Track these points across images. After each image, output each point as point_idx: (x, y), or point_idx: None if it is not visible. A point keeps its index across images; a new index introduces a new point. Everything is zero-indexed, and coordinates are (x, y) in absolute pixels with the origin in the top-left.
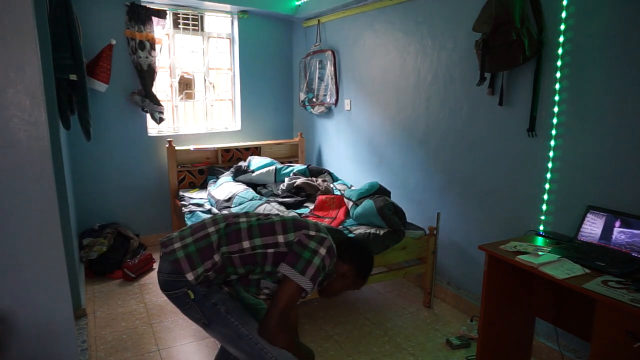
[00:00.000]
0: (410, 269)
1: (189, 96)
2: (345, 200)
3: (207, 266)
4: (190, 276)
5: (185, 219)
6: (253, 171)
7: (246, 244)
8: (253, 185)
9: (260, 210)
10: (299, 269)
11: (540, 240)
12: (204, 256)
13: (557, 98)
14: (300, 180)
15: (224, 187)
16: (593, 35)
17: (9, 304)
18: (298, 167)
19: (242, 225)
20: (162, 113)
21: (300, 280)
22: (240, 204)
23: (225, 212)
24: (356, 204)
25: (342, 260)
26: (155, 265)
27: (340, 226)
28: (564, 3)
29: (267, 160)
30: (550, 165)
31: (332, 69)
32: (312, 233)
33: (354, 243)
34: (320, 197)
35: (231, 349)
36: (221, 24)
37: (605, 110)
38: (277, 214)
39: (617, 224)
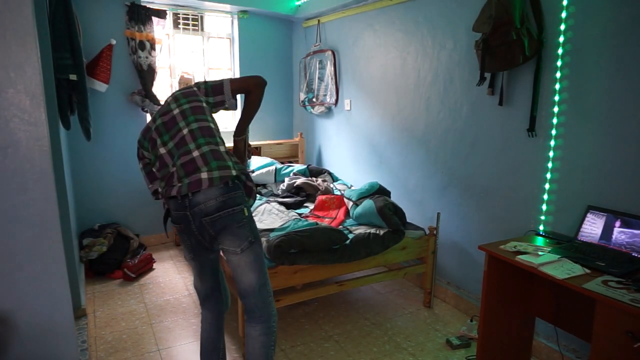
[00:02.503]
0: (410, 269)
1: None
2: (345, 200)
3: (220, 151)
4: (234, 171)
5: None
6: (253, 171)
7: (194, 125)
8: None
9: (260, 210)
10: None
11: (540, 240)
12: (216, 155)
13: (557, 98)
14: (300, 180)
15: None
16: (593, 35)
17: (9, 304)
18: (298, 167)
19: (181, 124)
20: None
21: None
22: None
23: None
24: (356, 204)
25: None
26: (156, 266)
27: (340, 226)
28: (564, 3)
29: (267, 160)
30: (550, 165)
31: (332, 69)
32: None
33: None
34: (320, 197)
35: (253, 273)
36: (221, 24)
37: (605, 110)
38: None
39: (617, 224)
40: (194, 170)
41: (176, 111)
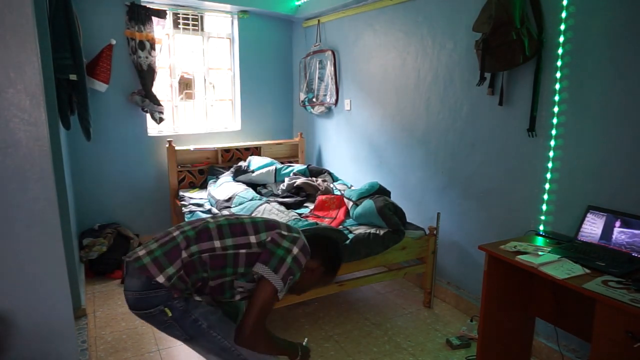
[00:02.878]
0: (410, 269)
1: (189, 96)
2: (345, 200)
3: (177, 266)
4: (161, 278)
5: (185, 219)
6: (253, 171)
7: (217, 244)
8: (253, 185)
9: (260, 210)
10: (273, 266)
11: (540, 240)
12: (171, 257)
13: (557, 98)
14: (300, 180)
15: (224, 187)
16: (593, 35)
17: (9, 304)
18: (298, 167)
19: (210, 225)
20: (162, 113)
21: (273, 279)
22: (240, 204)
23: (225, 212)
24: (356, 204)
25: (310, 257)
26: None
27: (340, 226)
28: (564, 3)
29: (267, 160)
30: (550, 165)
31: (332, 69)
32: (285, 232)
33: (323, 237)
34: (320, 197)
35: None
36: (221, 24)
37: (605, 110)
38: (248, 216)
39: (617, 224)
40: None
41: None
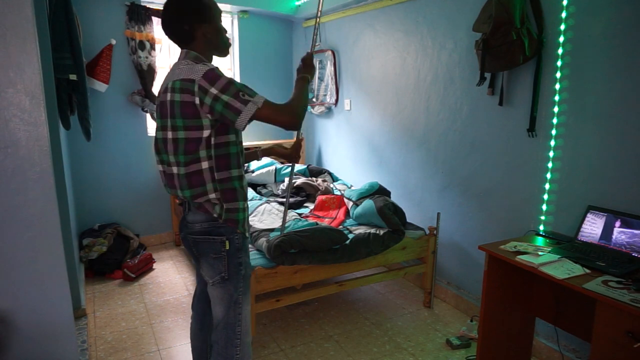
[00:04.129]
0: (410, 269)
1: None
2: (345, 200)
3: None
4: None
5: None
6: (253, 171)
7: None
8: (253, 185)
9: (260, 210)
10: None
11: (540, 240)
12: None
13: (557, 98)
14: (300, 180)
15: None
16: (593, 35)
17: (9, 304)
18: (298, 167)
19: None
20: None
21: (247, 104)
22: None
23: None
24: (356, 204)
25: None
26: (156, 266)
27: (340, 226)
28: (564, 3)
29: (267, 160)
30: (550, 165)
31: (332, 69)
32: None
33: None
34: (320, 197)
35: (220, 309)
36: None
37: (605, 110)
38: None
39: (617, 224)
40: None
41: None
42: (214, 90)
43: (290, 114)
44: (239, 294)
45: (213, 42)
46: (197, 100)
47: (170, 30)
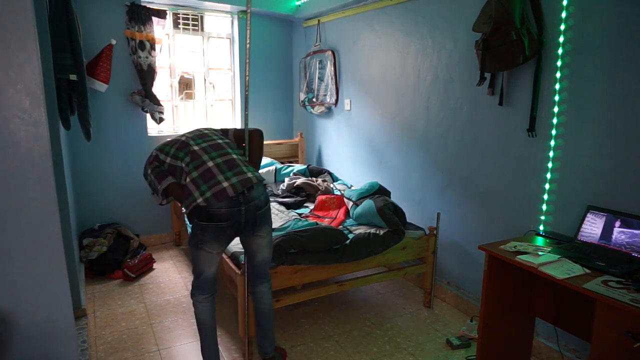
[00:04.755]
0: (410, 269)
1: (189, 96)
2: (345, 200)
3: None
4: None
5: (186, 219)
6: None
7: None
8: None
9: None
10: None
11: (540, 240)
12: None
13: (557, 98)
14: (300, 180)
15: None
16: (593, 35)
17: (9, 304)
18: (298, 167)
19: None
20: (162, 113)
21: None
22: None
23: None
24: (356, 204)
25: None
26: (156, 266)
27: (340, 226)
28: (564, 3)
29: (267, 160)
30: (550, 165)
31: (332, 69)
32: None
33: None
34: (320, 197)
35: (270, 249)
36: (221, 24)
37: (605, 110)
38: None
39: (617, 224)
40: (240, 172)
41: (219, 141)
42: None
43: None
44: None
45: None
46: None
47: None
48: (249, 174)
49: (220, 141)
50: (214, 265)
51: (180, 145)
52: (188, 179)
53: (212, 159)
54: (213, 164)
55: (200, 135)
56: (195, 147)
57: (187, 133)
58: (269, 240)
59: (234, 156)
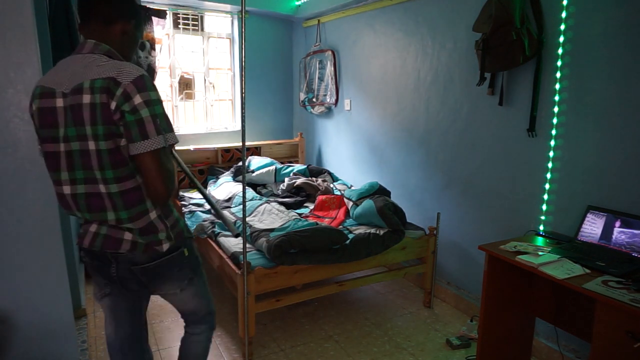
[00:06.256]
0: (410, 269)
1: (189, 96)
2: (345, 200)
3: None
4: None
5: (185, 219)
6: (253, 171)
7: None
8: (253, 185)
9: (260, 210)
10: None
11: (540, 240)
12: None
13: (557, 98)
14: (300, 180)
15: (224, 187)
16: (593, 35)
17: (9, 304)
18: (298, 167)
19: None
20: None
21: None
22: (240, 204)
23: (225, 212)
24: (356, 204)
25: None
26: None
27: (340, 226)
28: (564, 3)
29: (267, 160)
30: (550, 165)
31: (332, 69)
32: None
33: None
34: (320, 197)
35: (198, 300)
36: (221, 24)
37: (605, 110)
38: None
39: (617, 224)
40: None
41: None
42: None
43: (171, 185)
44: (203, 275)
45: (127, 45)
46: (113, 105)
47: (95, 8)
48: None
49: None
50: (111, 318)
51: None
52: None
53: None
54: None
55: None
56: None
57: None
58: (188, 294)
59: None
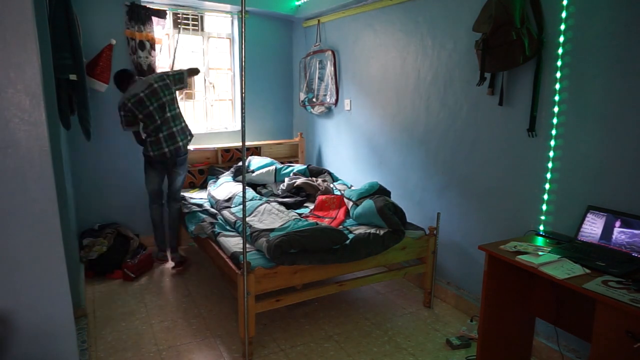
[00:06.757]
0: (410, 269)
1: (189, 96)
2: (345, 200)
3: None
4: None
5: (185, 219)
6: (253, 171)
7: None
8: (253, 185)
9: (260, 210)
10: None
11: (540, 240)
12: (180, 119)
13: (557, 98)
14: (300, 180)
15: (224, 187)
16: (593, 35)
17: (9, 304)
18: (298, 167)
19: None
20: None
21: None
22: (240, 204)
23: (225, 212)
24: (356, 204)
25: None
26: (155, 265)
27: (340, 226)
28: (564, 3)
29: (267, 160)
30: (550, 165)
31: (332, 69)
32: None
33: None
34: (320, 197)
35: (181, 179)
36: (221, 24)
37: (605, 110)
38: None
39: (617, 224)
40: (174, 141)
41: (164, 99)
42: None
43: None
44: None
45: None
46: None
47: None
48: (180, 144)
49: (164, 99)
50: (155, 184)
51: (139, 100)
52: (148, 133)
53: (162, 134)
54: (162, 136)
55: (161, 106)
56: (151, 108)
57: (145, 89)
58: (183, 177)
59: (174, 129)
